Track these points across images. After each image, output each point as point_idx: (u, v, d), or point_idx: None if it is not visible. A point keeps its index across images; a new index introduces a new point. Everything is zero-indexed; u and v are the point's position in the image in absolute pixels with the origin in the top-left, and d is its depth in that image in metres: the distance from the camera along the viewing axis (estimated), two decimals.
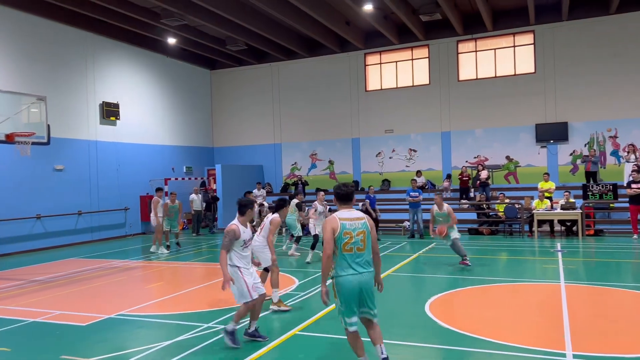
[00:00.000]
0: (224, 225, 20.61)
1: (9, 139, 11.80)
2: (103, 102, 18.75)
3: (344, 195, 4.96)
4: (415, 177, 19.17)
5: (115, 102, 19.25)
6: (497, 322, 6.99)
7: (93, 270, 11.89)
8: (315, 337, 6.48)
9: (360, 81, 22.06)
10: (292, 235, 14.03)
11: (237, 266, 6.07)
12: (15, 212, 15.29)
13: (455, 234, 11.07)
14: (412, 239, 16.24)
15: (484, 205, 17.92)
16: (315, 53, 22.42)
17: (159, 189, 15.36)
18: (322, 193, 13.20)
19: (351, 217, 4.82)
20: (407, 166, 21.35)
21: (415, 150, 21.24)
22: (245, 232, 6.15)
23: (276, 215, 8.17)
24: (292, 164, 23.48)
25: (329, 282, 4.91)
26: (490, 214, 17.57)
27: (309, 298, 8.56)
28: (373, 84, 22.07)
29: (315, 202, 13.37)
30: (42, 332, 7.25)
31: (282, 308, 7.75)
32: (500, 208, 17.21)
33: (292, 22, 17.70)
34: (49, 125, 12.95)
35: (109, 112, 18.88)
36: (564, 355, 5.50)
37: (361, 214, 4.93)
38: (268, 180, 23.61)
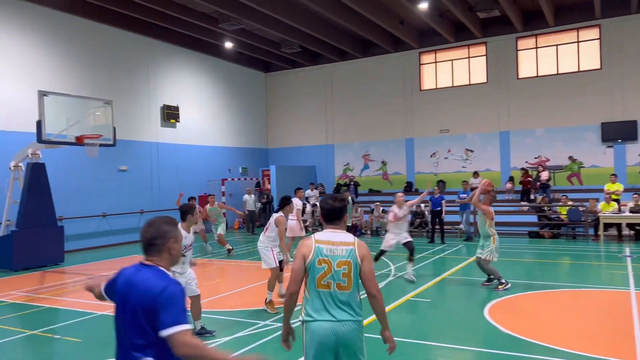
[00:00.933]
0: None
1: (79, 141, 12.50)
2: (164, 105, 19.49)
3: (329, 211, 3.54)
4: (470, 179, 18.70)
5: (175, 105, 19.96)
6: (560, 328, 6.71)
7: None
8: (370, 338, 6.45)
9: (414, 80, 21.78)
10: None
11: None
12: (83, 210, 16.15)
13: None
14: (469, 242, 15.84)
15: (546, 207, 17.24)
16: (368, 53, 22.34)
17: (191, 199, 14.85)
18: (400, 194, 11.01)
19: (333, 241, 3.46)
20: (463, 167, 20.86)
21: (472, 151, 20.73)
22: (186, 237, 6.28)
23: (280, 214, 8.14)
24: (345, 165, 23.50)
25: (296, 324, 3.61)
26: (552, 216, 16.87)
27: (364, 299, 8.52)
28: (428, 83, 21.73)
29: (393, 206, 10.68)
30: (110, 324, 7.62)
31: (269, 310, 7.74)
32: (563, 211, 16.50)
33: (346, 23, 17.72)
34: (114, 128, 13.62)
35: (170, 114, 19.60)
36: None
37: (350, 238, 3.52)
38: (320, 180, 23.73)
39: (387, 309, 7.75)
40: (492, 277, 9.23)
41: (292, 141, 24.87)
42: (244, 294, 9.35)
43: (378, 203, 18.68)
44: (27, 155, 12.93)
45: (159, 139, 19.36)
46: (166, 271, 2.63)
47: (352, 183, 21.50)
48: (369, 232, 18.12)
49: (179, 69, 20.51)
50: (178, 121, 20.00)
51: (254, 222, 20.39)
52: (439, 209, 15.62)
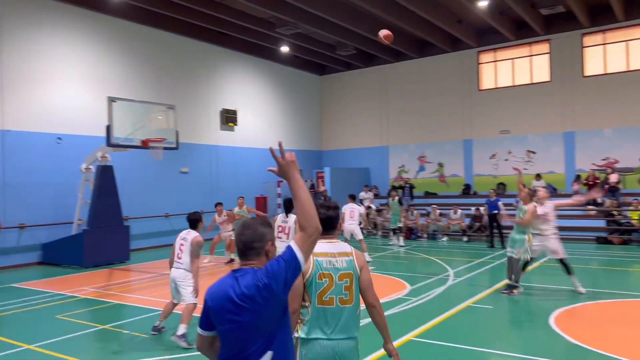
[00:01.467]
0: None
1: (144, 144, 13.06)
2: (223, 109, 20.03)
3: (325, 221, 3.15)
4: (532, 181, 18.01)
5: (234, 109, 20.47)
6: (629, 340, 6.33)
7: (219, 265, 12.72)
8: (429, 344, 6.36)
9: (472, 80, 21.25)
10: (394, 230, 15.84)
11: (190, 271, 6.89)
12: (147, 210, 16.85)
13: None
14: None
15: (615, 212, 16.33)
16: (424, 53, 22.01)
17: (218, 204, 13.87)
18: (542, 190, 9.50)
19: (332, 252, 3.29)
20: (525, 169, 20.12)
21: (534, 152, 19.96)
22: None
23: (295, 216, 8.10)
24: (400, 167, 23.25)
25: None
26: (622, 221, 15.96)
27: (424, 304, 8.41)
28: (487, 82, 21.15)
29: (532, 204, 8.84)
30: (174, 322, 7.91)
31: None
32: (634, 215, 15.58)
33: (401, 24, 17.55)
34: (177, 132, 14.13)
35: (228, 118, 20.12)
36: None
37: (347, 248, 3.37)
38: (375, 183, 23.60)
39: (446, 315, 7.62)
40: (513, 279, 8.91)
41: (346, 143, 24.89)
42: None
43: (434, 206, 18.35)
44: (97, 158, 13.65)
45: (218, 142, 19.90)
46: None
47: (407, 185, 21.22)
48: (425, 235, 17.83)
49: (238, 74, 21.01)
50: (236, 124, 20.49)
51: None
52: (495, 212, 15.09)
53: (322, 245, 3.26)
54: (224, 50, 20.21)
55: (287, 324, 2.53)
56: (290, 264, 2.41)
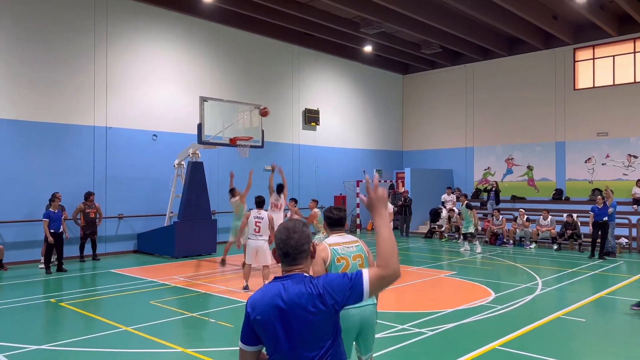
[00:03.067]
0: (414, 228, 20.67)
1: (232, 142, 13.62)
2: (305, 109, 20.41)
3: (337, 220, 4.38)
4: (634, 188, 16.62)
5: (316, 108, 20.78)
6: None
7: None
8: (515, 354, 6.09)
9: (567, 79, 20.00)
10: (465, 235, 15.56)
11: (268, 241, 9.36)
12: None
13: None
14: (608, 257, 14.15)
15: None
16: (515, 51, 21.03)
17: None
18: None
19: (344, 242, 4.26)
20: (624, 174, 18.64)
21: (635, 157, 18.43)
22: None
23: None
24: (485, 169, 22.40)
25: None
26: None
27: (509, 312, 8.07)
28: (583, 81, 19.80)
29: None
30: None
31: None
32: None
33: (491, 21, 16.89)
34: (262, 131, 14.59)
35: (310, 118, 20.46)
36: None
37: (354, 237, 4.37)
38: (458, 185, 22.92)
39: (533, 325, 7.26)
40: None
41: (428, 144, 24.39)
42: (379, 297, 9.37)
43: (522, 210, 17.49)
44: (189, 155, 14.44)
45: (300, 141, 20.30)
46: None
47: (492, 189, 20.40)
48: (511, 241, 17.05)
49: (320, 74, 21.30)
50: (318, 124, 20.79)
51: None
52: (604, 219, 13.76)
53: (335, 238, 4.28)
54: (308, 50, 20.57)
55: (339, 343, 2.36)
56: (354, 290, 2.27)
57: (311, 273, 2.50)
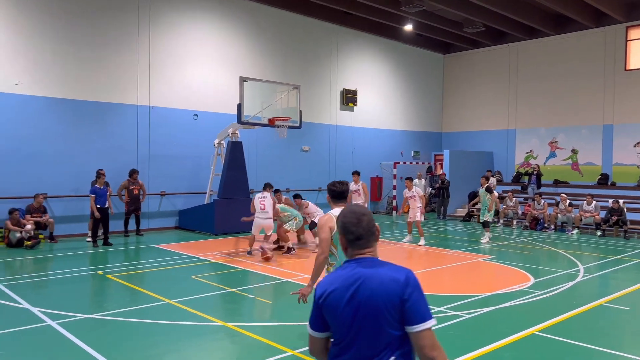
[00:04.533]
0: (452, 211, 20.43)
1: (271, 122, 13.74)
2: (343, 89, 20.30)
3: (339, 193, 4.80)
4: None
5: (354, 89, 20.64)
6: None
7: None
8: (554, 341, 6.01)
9: (618, 59, 19.10)
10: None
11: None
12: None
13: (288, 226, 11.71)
14: None
15: None
16: (562, 30, 20.21)
17: (276, 191, 12.50)
18: None
19: None
20: None
21: None
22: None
23: None
24: (527, 152, 21.81)
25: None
26: None
27: (549, 298, 7.94)
28: (636, 61, 18.88)
29: None
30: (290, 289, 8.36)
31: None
32: None
33: None
34: (301, 111, 14.64)
35: (348, 98, 20.35)
36: None
37: None
38: (498, 168, 22.44)
39: (574, 312, 7.12)
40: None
41: (468, 125, 23.90)
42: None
43: (564, 195, 17.01)
44: (228, 134, 14.66)
45: (338, 122, 20.26)
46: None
47: (534, 172, 19.86)
48: (552, 226, 16.65)
49: (359, 54, 21.08)
50: (356, 105, 20.67)
51: (425, 207, 20.18)
52: None
53: (338, 210, 4.53)
54: (347, 30, 20.35)
55: (409, 342, 2.23)
56: (426, 313, 2.21)
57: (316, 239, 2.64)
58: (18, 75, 12.79)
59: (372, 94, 21.60)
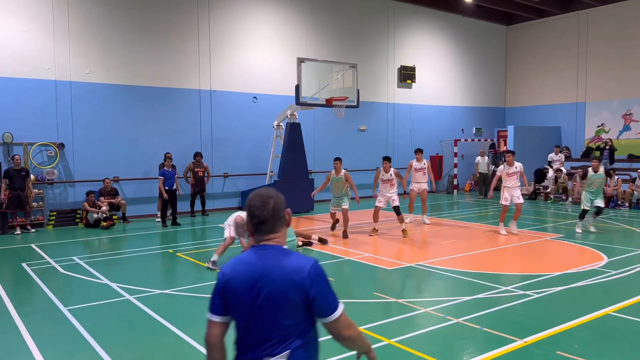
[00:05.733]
0: None
1: (329, 102, 13.74)
2: (401, 66, 19.91)
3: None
4: None
5: (412, 65, 20.20)
6: None
7: (388, 221, 13.04)
8: (630, 321, 5.73)
9: None
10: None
11: None
12: (329, 166, 17.77)
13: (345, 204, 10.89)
14: None
15: None
16: None
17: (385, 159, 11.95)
18: None
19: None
20: None
21: None
22: None
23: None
24: (598, 126, 20.60)
25: None
26: None
27: (624, 278, 7.56)
28: None
29: None
30: (357, 269, 8.44)
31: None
32: None
33: None
34: (358, 90, 14.53)
35: (406, 75, 19.96)
36: None
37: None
38: (566, 143, 21.37)
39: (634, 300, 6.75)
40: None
41: (533, 99, 22.83)
42: (482, 257, 9.21)
43: None
44: (287, 116, 14.82)
45: (395, 100, 19.95)
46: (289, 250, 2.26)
47: (606, 147, 18.73)
48: (627, 204, 15.74)
49: (417, 29, 20.56)
50: (414, 81, 20.24)
51: (487, 185, 19.62)
52: None
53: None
54: (404, 4, 19.87)
55: (309, 330, 2.19)
56: (334, 302, 2.17)
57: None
58: (89, 65, 13.47)
59: (430, 70, 21.06)
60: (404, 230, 11.02)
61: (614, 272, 7.85)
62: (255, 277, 2.13)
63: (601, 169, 11.34)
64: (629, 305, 6.26)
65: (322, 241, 10.29)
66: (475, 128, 22.81)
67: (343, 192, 11.10)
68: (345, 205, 11.01)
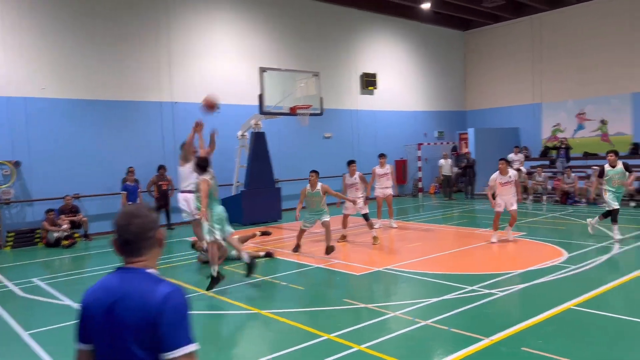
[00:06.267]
0: (479, 190, 20.20)
1: (292, 111, 13.77)
2: (363, 73, 20.15)
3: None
4: None
5: (374, 72, 20.46)
6: None
7: (357, 227, 13.12)
8: (592, 315, 5.94)
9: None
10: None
11: None
12: (294, 173, 17.85)
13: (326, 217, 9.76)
14: None
15: None
16: None
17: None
18: None
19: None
20: None
21: None
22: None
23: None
24: (554, 126, 21.32)
25: None
26: None
27: (584, 272, 7.83)
28: None
29: None
30: (326, 276, 8.45)
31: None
32: None
33: None
34: (321, 98, 14.61)
35: (368, 82, 20.20)
36: None
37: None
38: (525, 143, 22.02)
39: (612, 284, 7.00)
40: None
41: (492, 102, 23.47)
42: (448, 258, 9.37)
43: (595, 167, 16.60)
44: (251, 126, 14.75)
45: (359, 107, 20.16)
46: (158, 275, 2.07)
47: (562, 146, 19.40)
48: (584, 200, 16.32)
49: (376, 36, 20.86)
50: (376, 88, 20.51)
51: (451, 187, 20.04)
52: None
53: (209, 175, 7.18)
54: (363, 12, 20.13)
55: None
56: (182, 338, 1.94)
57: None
58: (44, 81, 13.09)
59: (392, 77, 21.38)
60: (374, 237, 10.98)
61: (574, 267, 8.12)
62: (111, 302, 1.98)
63: (620, 164, 10.41)
64: (590, 299, 6.48)
65: (265, 233, 11.24)
66: (438, 132, 23.26)
67: (320, 207, 9.99)
68: (326, 218, 9.84)
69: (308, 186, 10.03)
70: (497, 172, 10.73)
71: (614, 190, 10.37)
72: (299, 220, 10.12)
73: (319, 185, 9.96)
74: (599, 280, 7.29)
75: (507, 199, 10.60)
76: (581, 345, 5.08)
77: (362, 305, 6.57)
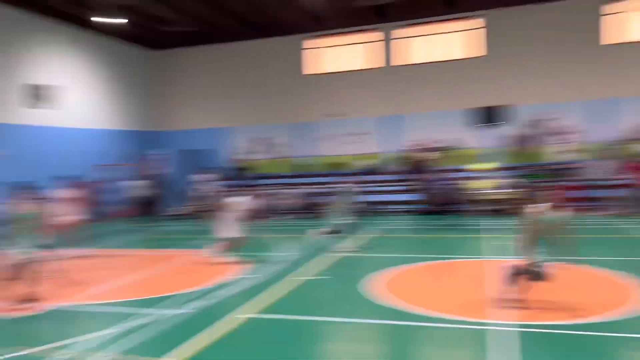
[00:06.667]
0: (173, 212, 20.23)
1: None
2: (34, 84, 17.84)
3: None
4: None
5: (47, 84, 18.40)
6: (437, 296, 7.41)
7: None
8: (267, 320, 6.61)
9: (298, 65, 22.31)
10: None
11: None
12: None
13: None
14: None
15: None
16: (252, 36, 22.30)
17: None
18: None
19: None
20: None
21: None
22: None
23: None
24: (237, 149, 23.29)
25: None
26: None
27: (262, 283, 8.67)
28: (313, 67, 22.26)
29: None
30: None
31: None
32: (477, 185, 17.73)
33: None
34: None
35: (44, 95, 18.01)
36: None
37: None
38: (215, 164, 23.24)
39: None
40: None
41: (188, 124, 24.04)
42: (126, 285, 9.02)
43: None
44: None
45: (26, 122, 17.73)
46: None
47: (247, 167, 21.20)
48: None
49: (51, 45, 18.90)
50: (52, 102, 18.50)
51: (146, 209, 19.39)
52: None
53: None
54: (39, 20, 18.01)
55: None
56: None
57: None
58: None
59: (79, 92, 19.84)
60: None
61: (259, 275, 8.92)
62: None
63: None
64: (267, 307, 7.21)
65: None
66: (128, 151, 22.42)
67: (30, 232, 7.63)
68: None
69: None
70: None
71: None
72: None
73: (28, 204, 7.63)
74: (275, 289, 8.18)
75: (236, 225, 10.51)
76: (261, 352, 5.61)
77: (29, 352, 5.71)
